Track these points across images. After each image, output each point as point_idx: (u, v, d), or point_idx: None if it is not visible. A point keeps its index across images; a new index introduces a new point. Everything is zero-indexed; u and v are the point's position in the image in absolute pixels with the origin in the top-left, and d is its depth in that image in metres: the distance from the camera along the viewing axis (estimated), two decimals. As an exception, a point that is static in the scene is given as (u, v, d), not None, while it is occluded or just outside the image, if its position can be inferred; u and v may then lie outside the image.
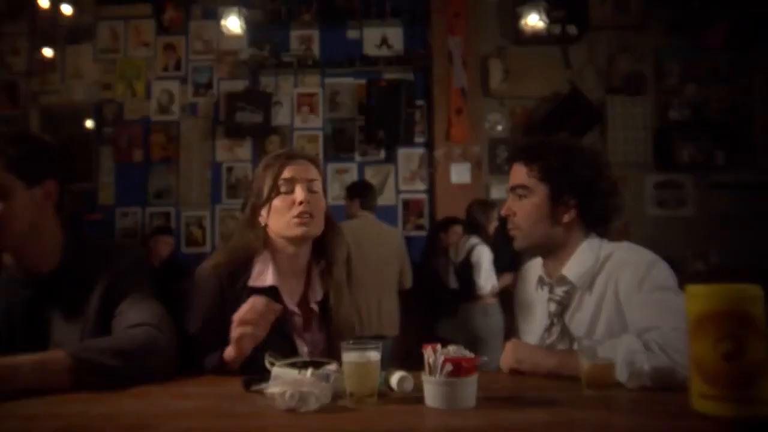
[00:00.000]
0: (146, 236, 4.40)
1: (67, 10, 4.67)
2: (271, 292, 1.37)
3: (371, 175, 4.69)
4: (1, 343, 1.22)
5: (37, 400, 1.01)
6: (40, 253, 1.28)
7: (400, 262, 3.64)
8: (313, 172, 1.45)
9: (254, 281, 1.39)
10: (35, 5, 4.63)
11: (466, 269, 3.56)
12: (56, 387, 1.06)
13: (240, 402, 1.03)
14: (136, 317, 1.24)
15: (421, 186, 4.73)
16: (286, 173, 1.41)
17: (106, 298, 1.27)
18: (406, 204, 4.72)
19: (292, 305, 1.43)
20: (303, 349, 1.41)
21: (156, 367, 1.19)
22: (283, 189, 1.40)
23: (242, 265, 1.41)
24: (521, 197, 1.41)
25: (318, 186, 1.44)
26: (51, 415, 0.95)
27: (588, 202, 1.37)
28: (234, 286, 1.38)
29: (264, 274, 1.40)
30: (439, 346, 1.00)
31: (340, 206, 4.54)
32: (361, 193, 3.70)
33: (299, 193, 1.39)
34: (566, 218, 1.37)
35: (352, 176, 4.69)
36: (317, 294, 1.48)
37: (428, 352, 0.99)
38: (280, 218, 1.40)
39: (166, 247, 4.21)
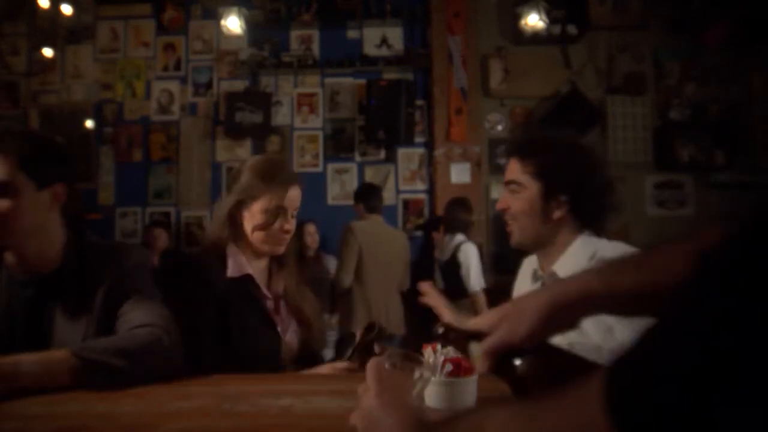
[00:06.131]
0: (144, 228, 4.41)
1: (67, 10, 4.68)
2: (247, 281, 1.49)
3: (371, 175, 4.70)
4: (2, 342, 1.22)
5: (37, 400, 1.01)
6: (42, 253, 1.28)
7: (404, 264, 3.69)
8: (300, 195, 1.55)
9: (232, 272, 1.48)
10: (35, 5, 4.64)
11: (453, 268, 3.57)
12: (59, 386, 1.06)
13: (240, 402, 1.03)
14: (139, 318, 1.24)
15: (421, 186, 4.73)
16: (282, 203, 1.49)
17: (109, 299, 1.27)
18: (406, 204, 4.72)
19: (264, 289, 1.54)
20: (278, 328, 1.52)
21: (160, 367, 1.18)
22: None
23: (218, 259, 1.49)
24: (514, 192, 1.42)
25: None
26: (51, 415, 0.95)
27: (580, 199, 1.37)
28: (215, 279, 1.45)
29: (239, 265, 1.49)
30: (439, 346, 1.00)
31: (339, 206, 4.57)
32: (366, 196, 3.73)
33: (287, 223, 1.51)
34: (557, 215, 1.37)
35: (352, 176, 4.69)
36: (279, 284, 1.58)
37: (428, 352, 0.99)
38: (262, 235, 1.50)
39: (162, 241, 4.22)
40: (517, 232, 1.42)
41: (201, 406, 1.02)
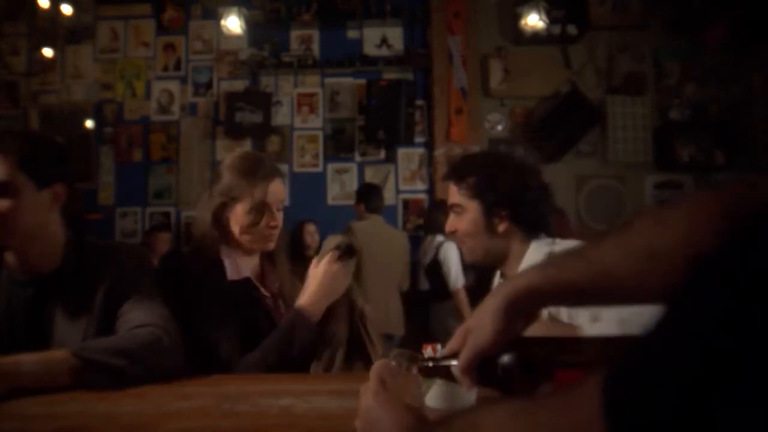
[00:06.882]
0: (145, 233, 4.41)
1: (67, 10, 4.67)
2: (247, 283, 1.49)
3: (371, 175, 4.69)
4: (2, 342, 1.22)
5: (37, 400, 1.01)
6: (42, 253, 1.28)
7: (403, 264, 3.69)
8: (284, 189, 1.53)
9: (231, 275, 1.47)
10: (35, 5, 4.63)
11: (437, 268, 3.58)
12: (59, 386, 1.06)
13: (240, 402, 1.03)
14: (140, 318, 1.24)
15: (421, 186, 4.73)
16: (264, 199, 1.46)
17: (110, 299, 1.27)
18: (406, 204, 4.72)
19: (262, 289, 1.53)
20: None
21: (161, 367, 1.18)
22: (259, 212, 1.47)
23: (212, 260, 1.47)
24: (458, 215, 1.47)
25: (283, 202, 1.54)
26: (51, 415, 0.95)
27: (520, 208, 1.42)
28: (216, 280, 1.44)
29: (237, 267, 1.48)
30: (439, 346, 1.00)
31: (339, 206, 4.57)
32: (367, 196, 3.74)
33: (272, 220, 1.48)
34: (501, 228, 1.42)
35: (352, 176, 4.69)
36: (275, 282, 1.57)
37: (428, 352, 0.99)
38: (250, 233, 1.47)
39: (164, 244, 4.22)
40: (468, 251, 1.49)
41: (201, 406, 1.02)
